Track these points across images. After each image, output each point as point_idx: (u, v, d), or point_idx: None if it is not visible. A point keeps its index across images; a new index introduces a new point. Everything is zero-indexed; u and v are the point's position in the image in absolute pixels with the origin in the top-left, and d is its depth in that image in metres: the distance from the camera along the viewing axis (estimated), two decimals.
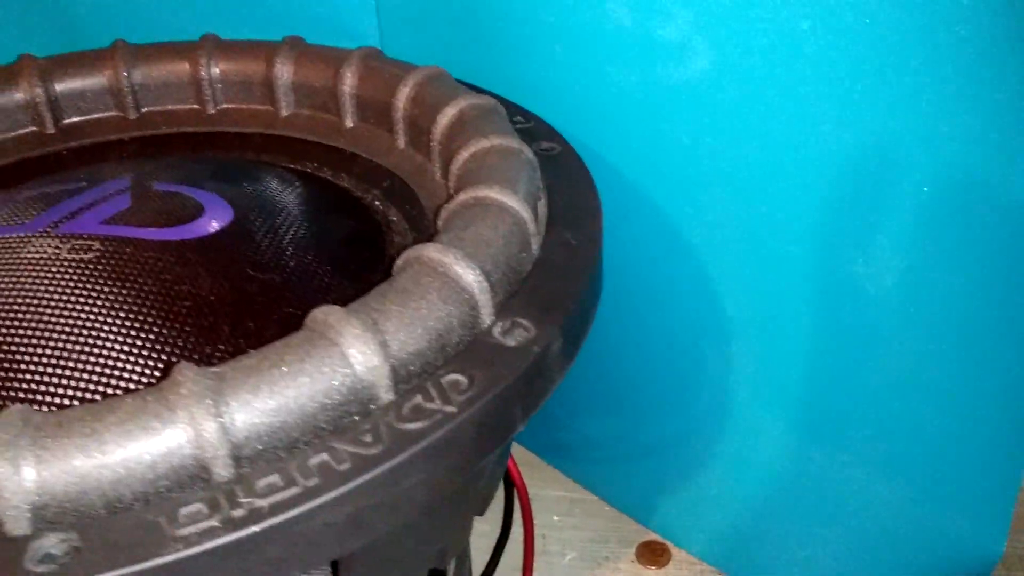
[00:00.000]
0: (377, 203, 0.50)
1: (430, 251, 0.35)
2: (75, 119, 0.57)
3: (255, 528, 0.27)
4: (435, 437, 0.30)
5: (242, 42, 0.57)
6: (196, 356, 0.36)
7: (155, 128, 0.58)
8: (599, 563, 0.68)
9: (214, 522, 0.27)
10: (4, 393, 0.34)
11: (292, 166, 0.54)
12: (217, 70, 0.57)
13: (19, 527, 0.27)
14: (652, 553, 0.69)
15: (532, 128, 0.51)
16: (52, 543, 0.26)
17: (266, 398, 0.29)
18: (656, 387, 0.67)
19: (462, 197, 0.39)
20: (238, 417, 0.28)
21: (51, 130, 0.56)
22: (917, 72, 0.42)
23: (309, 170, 0.54)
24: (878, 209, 0.49)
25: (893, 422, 0.57)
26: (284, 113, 0.57)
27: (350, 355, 0.30)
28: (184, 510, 0.27)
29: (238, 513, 0.27)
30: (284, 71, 0.56)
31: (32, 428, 0.27)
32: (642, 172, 0.55)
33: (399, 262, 0.36)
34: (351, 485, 0.28)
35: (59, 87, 0.56)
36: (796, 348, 0.58)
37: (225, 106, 0.58)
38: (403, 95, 0.51)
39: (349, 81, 0.54)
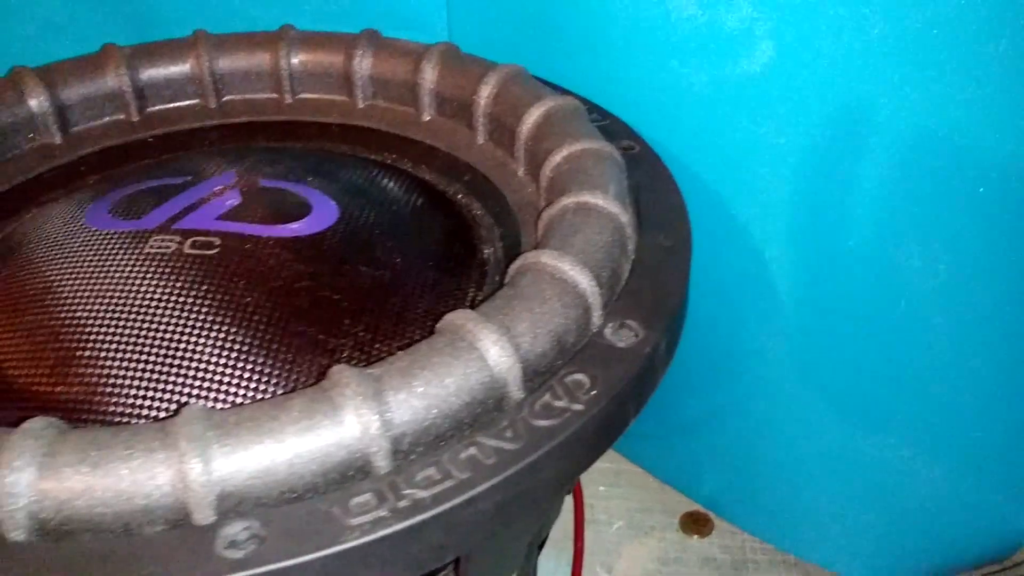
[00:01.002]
0: (460, 196, 0.53)
1: (546, 257, 0.38)
2: (158, 107, 0.59)
3: (420, 517, 0.30)
4: (567, 433, 0.33)
5: (321, 34, 0.59)
6: (320, 349, 0.39)
7: (235, 116, 0.59)
8: (645, 532, 0.72)
9: (383, 512, 0.30)
10: (153, 388, 0.37)
11: (372, 157, 0.57)
12: (297, 61, 0.59)
13: (206, 517, 0.29)
14: (695, 523, 0.72)
15: (609, 126, 0.53)
16: (236, 531, 0.29)
17: (420, 396, 0.32)
18: (703, 364, 0.70)
19: (565, 202, 0.42)
20: (396, 414, 0.31)
21: (135, 118, 0.58)
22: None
23: (389, 161, 0.56)
24: (937, 207, 0.52)
25: (935, 406, 0.60)
26: (361, 104, 0.59)
27: (488, 356, 0.33)
28: (354, 500, 0.30)
29: (403, 504, 0.30)
30: (363, 64, 0.57)
31: (214, 426, 0.30)
32: (704, 166, 0.57)
33: (515, 267, 0.39)
34: (499, 478, 0.31)
35: (144, 76, 0.58)
36: (845, 332, 0.60)
37: (303, 96, 0.60)
38: (485, 92, 0.53)
39: (429, 76, 0.56)
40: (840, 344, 0.62)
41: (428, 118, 0.57)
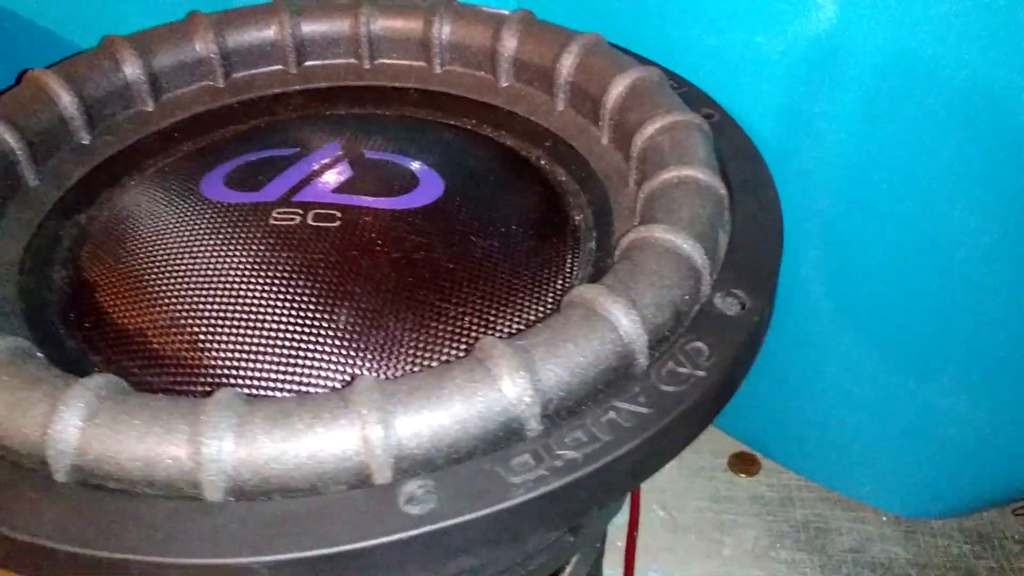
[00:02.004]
0: (543, 162, 0.55)
1: (659, 232, 0.40)
2: (243, 73, 0.60)
3: (575, 476, 0.33)
4: (693, 398, 0.36)
5: (400, 1, 0.61)
6: (444, 316, 0.42)
7: (316, 82, 0.61)
8: (695, 472, 0.76)
9: (542, 471, 0.33)
10: (294, 357, 0.40)
11: (452, 122, 0.59)
12: (377, 27, 0.60)
13: (384, 477, 0.33)
14: (743, 463, 0.77)
15: (688, 94, 0.55)
16: (413, 489, 0.33)
17: (563, 365, 0.35)
18: None
19: (666, 176, 0.44)
20: (545, 381, 0.34)
21: (221, 84, 0.60)
22: None
23: (469, 127, 0.58)
24: (993, 163, 0.54)
25: (978, 350, 0.64)
26: (437, 70, 0.61)
27: (620, 328, 0.36)
28: (515, 460, 0.33)
29: (558, 463, 0.33)
30: (442, 30, 0.59)
31: (389, 394, 0.33)
32: (764, 130, 0.59)
33: (628, 240, 0.41)
34: (639, 440, 0.34)
35: (230, 42, 0.59)
36: (896, 285, 0.64)
37: (381, 61, 0.62)
38: (568, 61, 0.55)
39: (509, 43, 0.57)
40: (885, 288, 0.65)
41: (505, 84, 0.59)
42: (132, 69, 0.56)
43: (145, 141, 0.56)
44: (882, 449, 0.72)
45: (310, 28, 0.60)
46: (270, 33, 0.60)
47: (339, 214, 0.45)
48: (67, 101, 0.53)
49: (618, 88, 0.52)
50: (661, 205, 0.43)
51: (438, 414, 0.33)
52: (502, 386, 0.34)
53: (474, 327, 0.42)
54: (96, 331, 0.43)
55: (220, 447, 0.32)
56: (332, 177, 0.47)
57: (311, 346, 0.40)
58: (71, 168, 0.53)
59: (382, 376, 0.40)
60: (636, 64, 0.53)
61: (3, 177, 0.48)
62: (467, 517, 0.32)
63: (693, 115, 0.49)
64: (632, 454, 0.34)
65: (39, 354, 0.37)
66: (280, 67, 0.61)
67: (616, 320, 0.36)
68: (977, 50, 0.51)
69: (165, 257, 0.45)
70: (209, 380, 0.40)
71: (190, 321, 0.42)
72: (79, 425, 0.32)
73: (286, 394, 0.39)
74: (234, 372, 0.40)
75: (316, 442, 0.32)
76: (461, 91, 0.60)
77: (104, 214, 0.51)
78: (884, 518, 0.72)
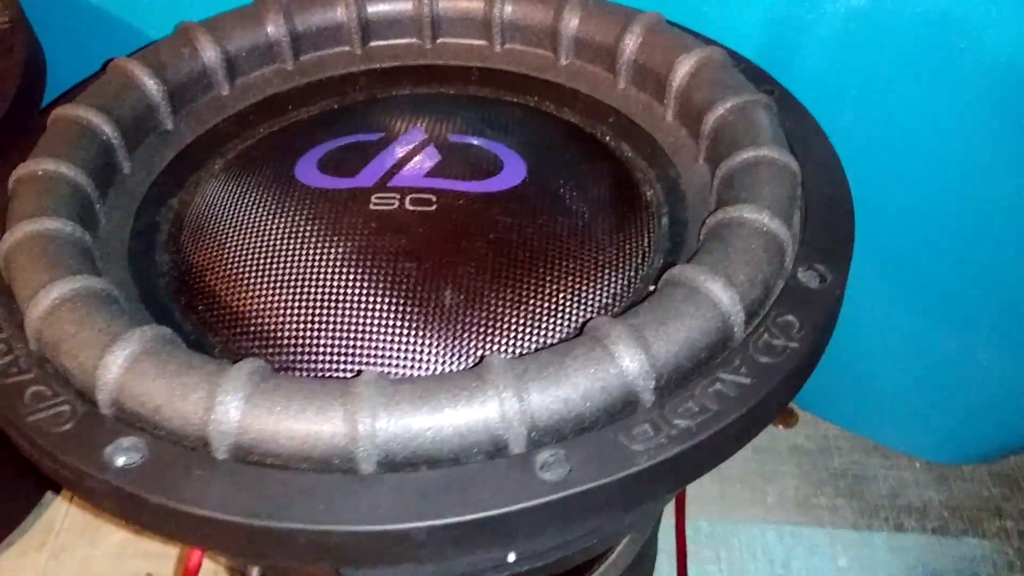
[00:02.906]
0: (608, 139, 0.58)
1: (747, 211, 0.43)
2: (311, 55, 0.62)
3: (691, 443, 0.36)
4: (788, 368, 0.39)
5: None
6: (541, 293, 0.45)
7: (380, 62, 0.63)
8: None
9: (661, 439, 0.36)
10: (410, 335, 0.43)
11: (515, 100, 0.61)
12: (439, 7, 0.62)
13: (520, 447, 0.36)
14: (782, 415, 0.81)
15: (746, 70, 0.57)
16: (546, 458, 0.36)
17: (673, 341, 0.38)
18: None
19: (745, 156, 0.47)
20: (657, 356, 0.37)
21: (290, 66, 0.62)
22: None
23: (532, 104, 0.61)
24: None
25: (1013, 304, 0.67)
26: (498, 48, 0.63)
27: (721, 304, 0.39)
28: (636, 430, 0.37)
29: (674, 432, 0.37)
30: (504, 9, 0.61)
31: (520, 372, 0.36)
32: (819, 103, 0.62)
33: (716, 220, 0.44)
34: (745, 409, 0.38)
35: (299, 25, 0.61)
36: (931, 237, 0.67)
37: (442, 41, 0.64)
38: (631, 40, 0.57)
39: (571, 22, 0.59)
40: (921, 240, 0.68)
41: (566, 62, 0.61)
42: (210, 54, 0.58)
43: (223, 125, 0.59)
44: (916, 399, 0.76)
45: (375, 9, 0.62)
46: (337, 14, 0.61)
47: (434, 198, 0.48)
48: (153, 88, 0.55)
49: (685, 67, 0.54)
50: (743, 185, 0.45)
51: (565, 389, 0.36)
52: (621, 362, 0.37)
53: (567, 302, 0.45)
54: (210, 314, 0.46)
55: (373, 424, 0.35)
56: (422, 162, 0.50)
57: (419, 325, 0.43)
58: (159, 154, 0.55)
59: (486, 351, 0.43)
60: (700, 44, 0.55)
61: (104, 166, 0.50)
62: (598, 482, 0.35)
63: (761, 95, 0.51)
64: (738, 422, 0.38)
65: (179, 340, 0.40)
66: (346, 48, 0.63)
67: (716, 297, 0.39)
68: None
69: (272, 242, 0.47)
70: (325, 360, 0.43)
71: (304, 304, 0.44)
72: (239, 407, 0.35)
73: (397, 371, 0.42)
74: (348, 351, 0.43)
75: (459, 417, 0.35)
76: (522, 69, 0.62)
77: (196, 199, 0.53)
78: (918, 465, 0.76)
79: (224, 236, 0.49)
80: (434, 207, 0.48)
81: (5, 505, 0.70)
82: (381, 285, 0.44)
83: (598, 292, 0.46)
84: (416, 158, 0.50)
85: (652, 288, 0.46)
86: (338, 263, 0.45)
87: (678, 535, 0.64)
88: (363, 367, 0.43)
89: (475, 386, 0.36)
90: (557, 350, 0.37)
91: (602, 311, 0.45)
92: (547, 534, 0.36)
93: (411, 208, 0.48)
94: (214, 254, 0.48)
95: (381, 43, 0.63)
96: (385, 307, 0.43)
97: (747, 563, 0.69)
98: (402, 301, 0.44)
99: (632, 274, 0.48)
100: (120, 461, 0.36)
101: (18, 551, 0.71)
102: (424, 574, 0.43)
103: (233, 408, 0.35)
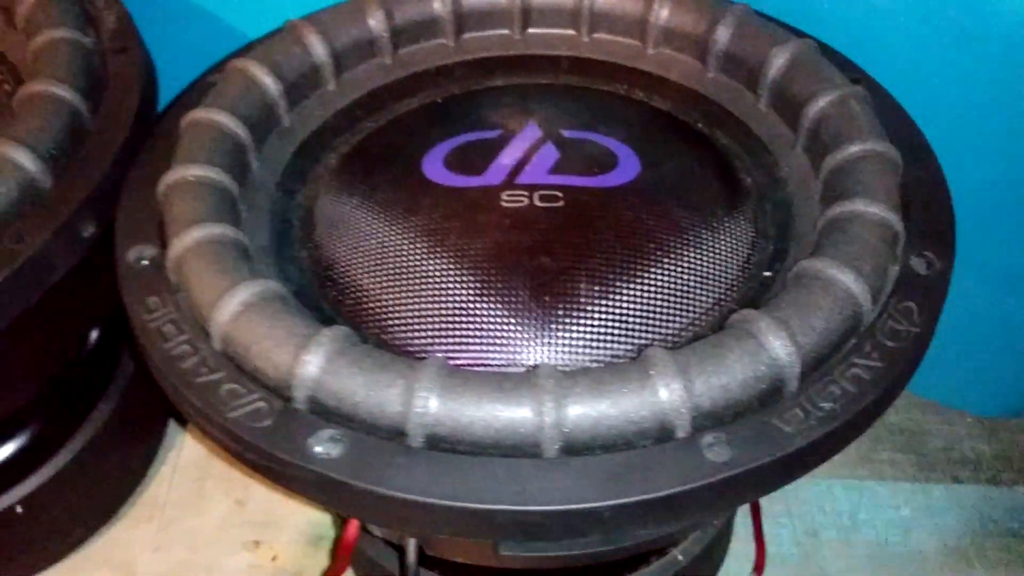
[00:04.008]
0: (700, 125, 0.61)
1: (861, 206, 0.47)
2: (408, 48, 0.65)
3: (836, 424, 0.40)
4: (913, 351, 0.43)
5: None
6: (674, 283, 0.48)
7: (473, 53, 0.66)
8: None
9: (812, 422, 0.40)
10: (548, 326, 0.46)
11: (604, 88, 0.64)
12: None
13: (685, 431, 0.40)
14: None
15: (833, 58, 0.60)
16: (709, 440, 0.40)
17: (816, 331, 0.42)
18: None
19: (853, 150, 0.50)
20: (802, 344, 0.41)
21: (389, 60, 0.64)
22: None
23: (622, 92, 0.64)
24: None
25: None
26: (585, 38, 0.66)
27: (855, 294, 0.43)
28: (788, 414, 0.41)
29: (821, 414, 0.41)
30: (594, 0, 0.64)
31: (682, 363, 0.40)
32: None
33: (834, 213, 0.48)
34: (879, 391, 0.42)
35: (398, 19, 0.63)
36: (983, 195, 0.70)
37: (531, 31, 0.66)
38: (723, 31, 0.60)
39: (662, 12, 0.62)
40: (974, 198, 0.71)
41: (653, 51, 0.64)
42: (319, 51, 0.60)
43: (333, 120, 0.61)
44: (969, 357, 0.80)
45: (469, 1, 0.64)
46: (434, 8, 0.64)
47: (560, 194, 0.51)
48: (272, 87, 0.57)
49: (781, 59, 0.57)
50: (855, 178, 0.49)
51: (725, 378, 0.40)
52: (772, 353, 0.41)
53: (697, 290, 0.49)
54: (360, 309, 0.49)
55: (558, 413, 0.39)
56: (543, 159, 0.53)
57: (561, 316, 0.47)
58: (281, 151, 0.58)
59: (637, 342, 0.46)
60: (791, 35, 0.58)
61: (240, 166, 0.53)
62: (760, 462, 0.39)
63: (856, 87, 0.54)
64: (874, 402, 0.42)
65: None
66: (442, 41, 0.65)
67: (848, 287, 0.43)
68: None
69: (415, 239, 0.50)
70: (482, 352, 0.46)
71: (451, 299, 0.48)
72: (436, 400, 0.39)
73: (541, 360, 0.46)
74: (500, 344, 0.46)
75: (632, 404, 0.39)
76: (611, 57, 0.65)
77: (324, 196, 0.56)
78: (970, 419, 0.81)
79: (365, 234, 0.51)
80: (561, 203, 0.51)
81: (117, 481, 0.74)
82: (523, 280, 0.48)
83: (721, 278, 0.50)
84: (537, 156, 0.53)
85: (767, 273, 0.50)
86: (481, 260, 0.48)
87: None
88: (513, 358, 0.46)
89: (643, 376, 0.39)
90: (711, 341, 0.41)
91: (726, 297, 0.49)
92: (711, 511, 0.40)
93: (540, 205, 0.51)
94: (358, 252, 0.51)
95: (474, 35, 0.66)
96: (527, 301, 0.47)
97: (816, 516, 0.74)
98: (543, 295, 0.47)
99: (748, 260, 0.51)
100: (324, 452, 0.40)
101: (128, 523, 0.75)
102: (576, 547, 0.48)
103: (431, 401, 0.39)
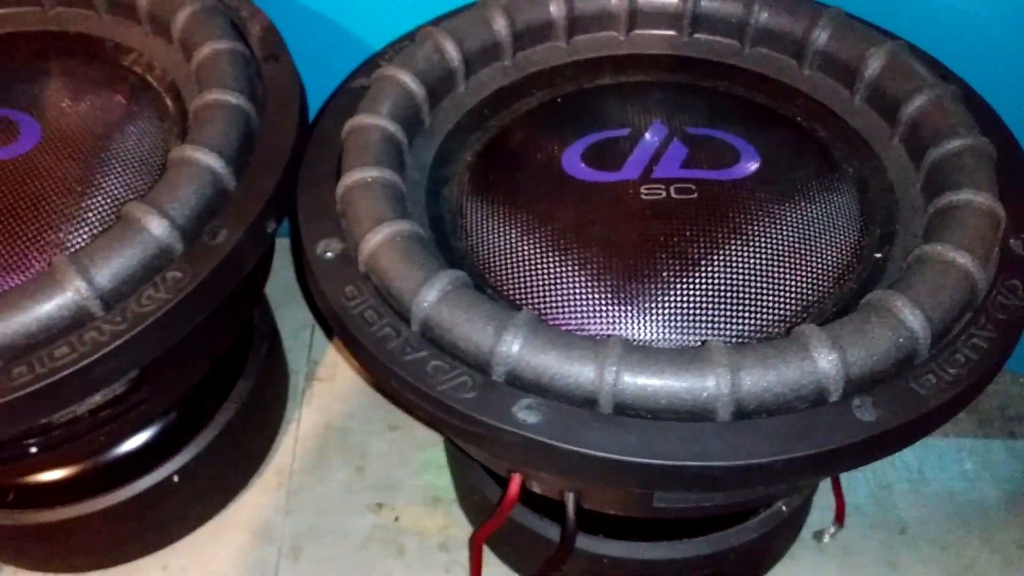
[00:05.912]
0: (799, 118, 0.67)
1: (969, 195, 0.53)
2: (525, 50, 0.70)
3: (961, 387, 0.47)
4: (1019, 324, 0.50)
5: None
6: (799, 268, 0.55)
7: (582, 54, 0.72)
8: None
9: (942, 385, 0.47)
10: (685, 309, 0.53)
11: (706, 84, 0.70)
12: (639, 1, 0.70)
13: (837, 396, 0.46)
14: None
15: (924, 59, 0.66)
16: (857, 403, 0.46)
17: (941, 307, 0.48)
18: None
19: (956, 144, 0.56)
20: (932, 317, 0.47)
21: (508, 62, 0.70)
22: None
23: (722, 88, 0.70)
24: None
25: None
26: (684, 38, 0.71)
27: (974, 275, 0.50)
28: (924, 378, 0.47)
29: (949, 379, 0.47)
30: (698, 3, 0.69)
31: (830, 335, 0.46)
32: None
33: (944, 202, 0.54)
34: (996, 358, 0.48)
35: (519, 23, 0.68)
36: None
37: (635, 32, 0.72)
38: (821, 32, 0.65)
39: (761, 14, 0.68)
40: None
41: (749, 50, 0.70)
42: (453, 56, 0.65)
43: (464, 119, 0.67)
44: None
45: (581, 5, 0.70)
46: (550, 12, 0.69)
47: (693, 187, 0.57)
48: (417, 91, 0.63)
49: (877, 59, 0.63)
50: (959, 171, 0.55)
51: (870, 349, 0.47)
52: (909, 326, 0.47)
53: (822, 269, 0.55)
54: (519, 297, 0.55)
55: (731, 382, 0.45)
56: (674, 154, 0.59)
57: (712, 295, 0.53)
58: (426, 151, 0.64)
59: (770, 314, 0.53)
60: (886, 37, 0.64)
61: (401, 167, 0.59)
62: (903, 421, 0.46)
63: (952, 86, 0.60)
64: (993, 367, 0.49)
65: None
66: (555, 43, 0.71)
67: (967, 268, 0.50)
68: None
69: (567, 232, 0.56)
70: (635, 330, 0.53)
71: (608, 282, 0.54)
72: (625, 372, 0.45)
73: (696, 336, 0.52)
74: (662, 320, 0.53)
75: (795, 375, 0.46)
76: (709, 56, 0.71)
77: (468, 192, 0.61)
78: (1022, 380, 0.89)
79: (517, 226, 0.57)
80: (695, 195, 0.57)
81: (251, 451, 0.81)
82: (675, 264, 0.54)
83: (842, 260, 0.56)
84: (667, 152, 0.59)
85: (878, 255, 0.57)
86: (632, 247, 0.55)
87: None
88: (670, 335, 0.52)
89: (800, 349, 0.46)
90: (856, 318, 0.48)
91: (846, 276, 0.55)
92: (859, 463, 0.47)
93: (677, 197, 0.57)
94: (512, 243, 0.57)
95: (584, 36, 0.71)
96: (683, 282, 0.53)
97: (888, 470, 0.82)
98: (695, 276, 0.53)
99: (861, 243, 0.57)
100: (528, 418, 0.46)
101: (259, 491, 0.82)
102: (715, 499, 0.54)
103: (621, 374, 0.45)
